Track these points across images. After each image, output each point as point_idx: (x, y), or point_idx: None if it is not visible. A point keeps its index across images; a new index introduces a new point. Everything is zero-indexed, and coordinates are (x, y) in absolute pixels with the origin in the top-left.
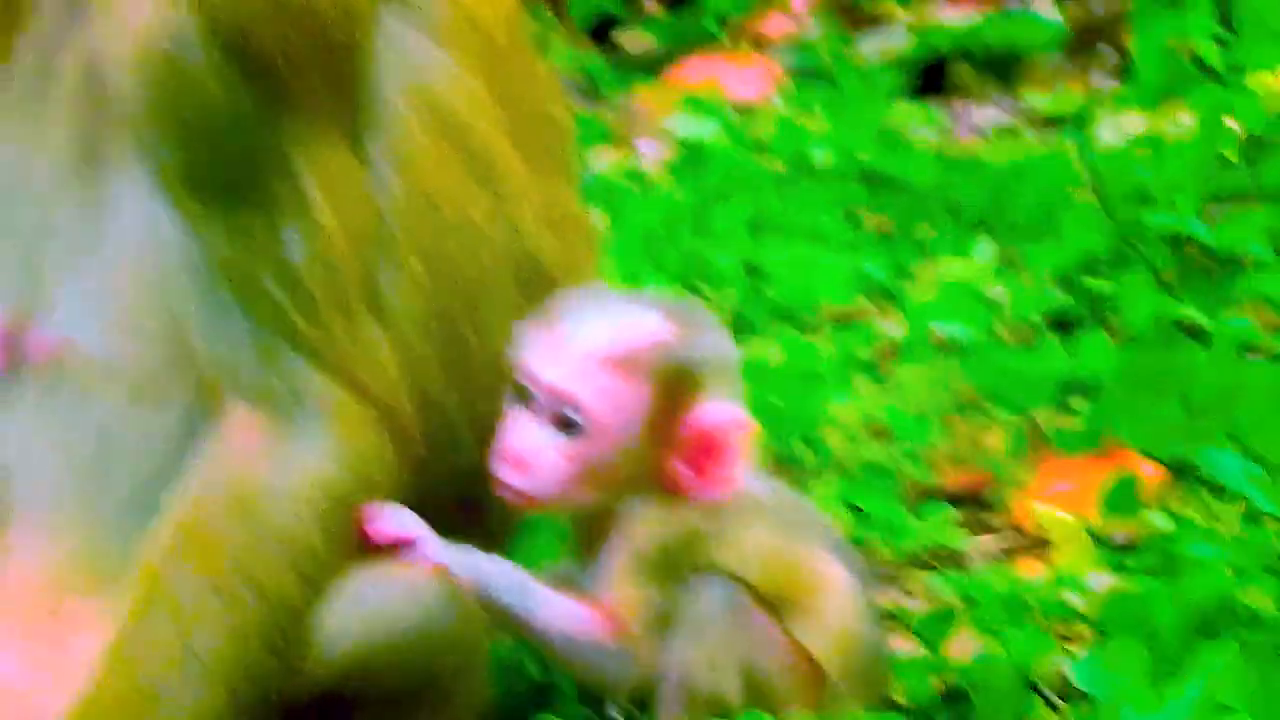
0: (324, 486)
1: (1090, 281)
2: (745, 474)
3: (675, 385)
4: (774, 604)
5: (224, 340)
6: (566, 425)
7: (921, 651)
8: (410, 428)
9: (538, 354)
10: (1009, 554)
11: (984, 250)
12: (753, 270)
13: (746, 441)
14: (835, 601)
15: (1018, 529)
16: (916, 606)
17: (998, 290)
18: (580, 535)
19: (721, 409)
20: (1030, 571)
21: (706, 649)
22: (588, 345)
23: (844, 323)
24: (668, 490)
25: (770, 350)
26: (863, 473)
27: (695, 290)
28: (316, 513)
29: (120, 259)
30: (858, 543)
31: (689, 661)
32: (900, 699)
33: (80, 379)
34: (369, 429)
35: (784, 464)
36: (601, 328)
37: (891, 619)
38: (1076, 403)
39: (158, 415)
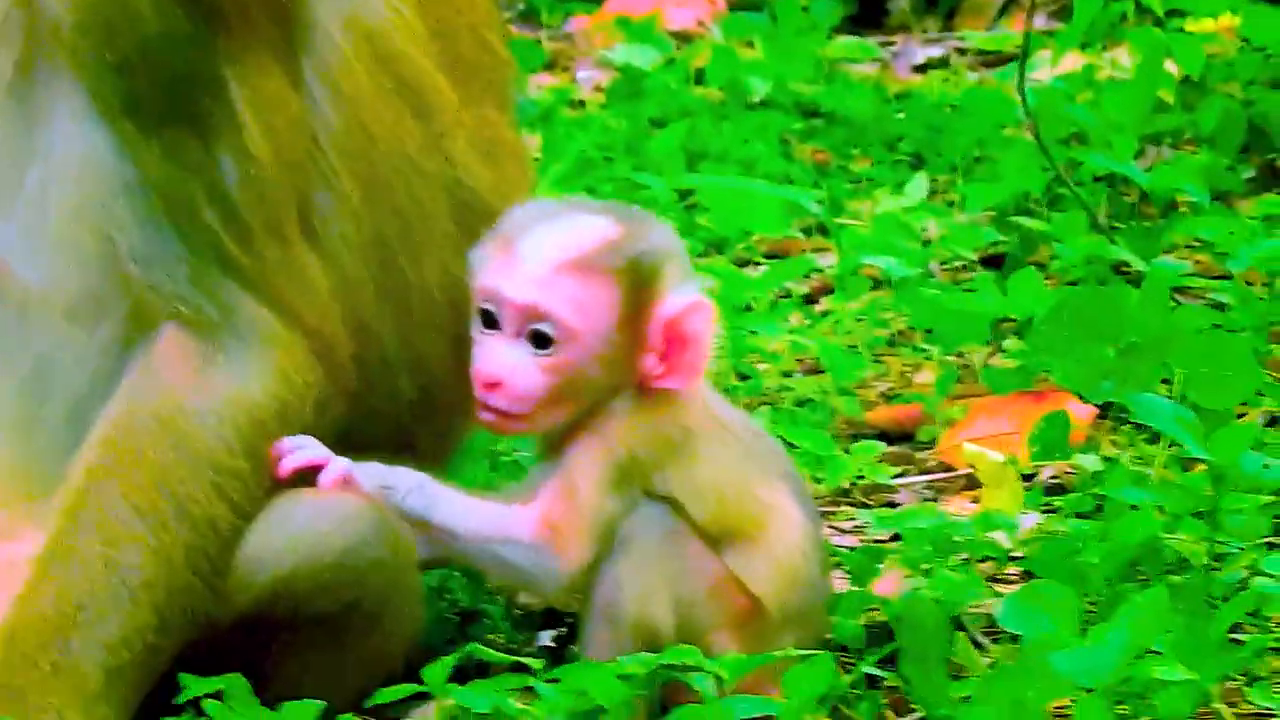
0: (251, 411)
1: (1025, 220)
2: (710, 367)
3: (639, 280)
4: (719, 535)
5: (157, 263)
6: (540, 340)
7: (850, 588)
8: (343, 354)
9: (499, 275)
10: (938, 492)
11: (919, 186)
12: (687, 200)
13: (712, 325)
14: (785, 537)
15: (947, 467)
16: (845, 543)
17: (932, 226)
18: (549, 441)
19: (685, 297)
20: (959, 510)
21: (639, 575)
22: (547, 256)
23: (777, 255)
24: (642, 391)
25: (704, 281)
26: (793, 406)
27: None
28: (243, 437)
29: (54, 181)
30: None
31: (620, 587)
32: (827, 635)
33: (15, 300)
34: (300, 354)
35: None
36: (556, 237)
37: None
38: (1009, 342)
39: (92, 337)
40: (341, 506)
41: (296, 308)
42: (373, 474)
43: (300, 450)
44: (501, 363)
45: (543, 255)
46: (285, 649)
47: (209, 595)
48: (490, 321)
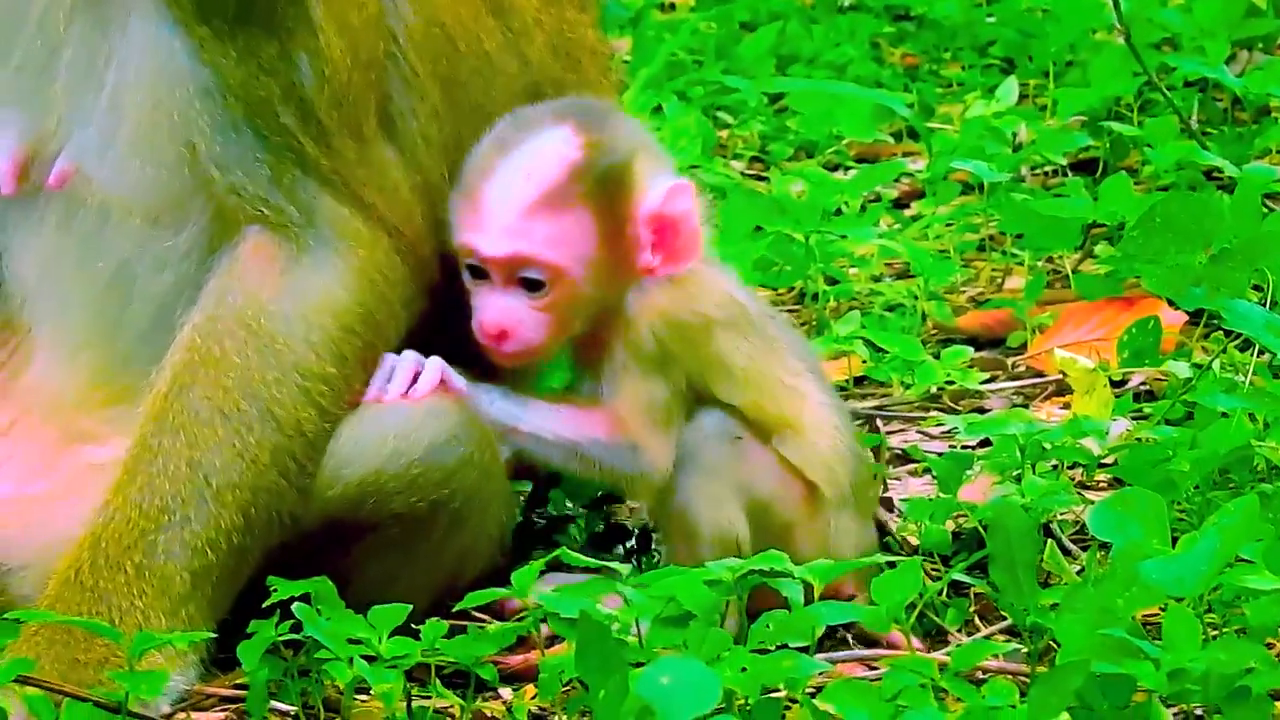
0: (338, 315)
1: (1115, 125)
2: (707, 246)
3: (610, 191)
4: (765, 427)
5: (236, 166)
6: (531, 285)
7: (938, 494)
8: (425, 251)
9: (473, 232)
10: (1027, 398)
11: (1009, 90)
12: (777, 103)
13: (696, 201)
14: (819, 418)
15: (1037, 373)
16: (934, 448)
17: (1022, 130)
18: (580, 356)
19: (660, 185)
20: (1048, 416)
21: (709, 486)
22: (513, 202)
23: (867, 159)
24: (649, 283)
25: (793, 185)
26: (882, 311)
27: (719, 122)
28: (330, 341)
29: (130, 87)
30: (877, 382)
31: (691, 500)
32: (915, 540)
33: (97, 205)
34: (383, 252)
35: (805, 300)
36: (517, 176)
37: (908, 460)
38: (1099, 247)
39: (174, 242)
40: (430, 404)
41: (377, 206)
42: (471, 389)
43: (400, 366)
44: (502, 313)
45: (509, 202)
46: (370, 550)
47: (295, 497)
48: (478, 273)
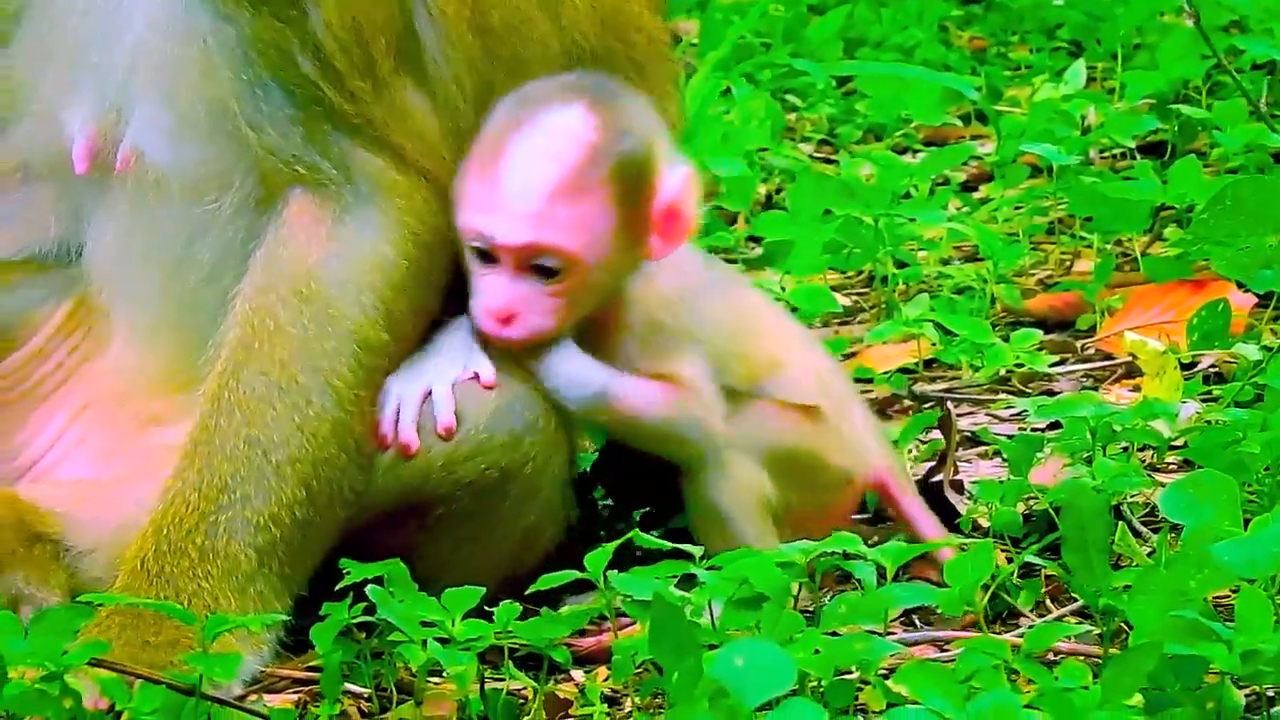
0: (388, 274)
1: (1184, 108)
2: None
3: (629, 176)
4: (754, 376)
5: (270, 125)
6: (544, 271)
7: (1009, 476)
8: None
9: (488, 217)
10: (1097, 380)
11: (1078, 73)
12: (845, 86)
13: (698, 189)
14: (790, 342)
15: (1106, 355)
16: (1004, 431)
17: (1091, 113)
18: (581, 338)
19: (677, 174)
20: (1118, 399)
21: (726, 462)
22: (534, 187)
23: (935, 142)
24: (646, 265)
25: (861, 168)
26: (951, 294)
27: (787, 105)
28: (383, 303)
29: (156, 50)
30: (946, 365)
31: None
32: (985, 523)
33: (158, 186)
34: (420, 199)
35: (874, 284)
36: (537, 159)
37: (978, 442)
38: (1168, 230)
39: (226, 211)
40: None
41: (407, 150)
42: (490, 371)
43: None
44: (511, 299)
45: (529, 187)
46: (438, 525)
47: (358, 470)
48: (486, 258)
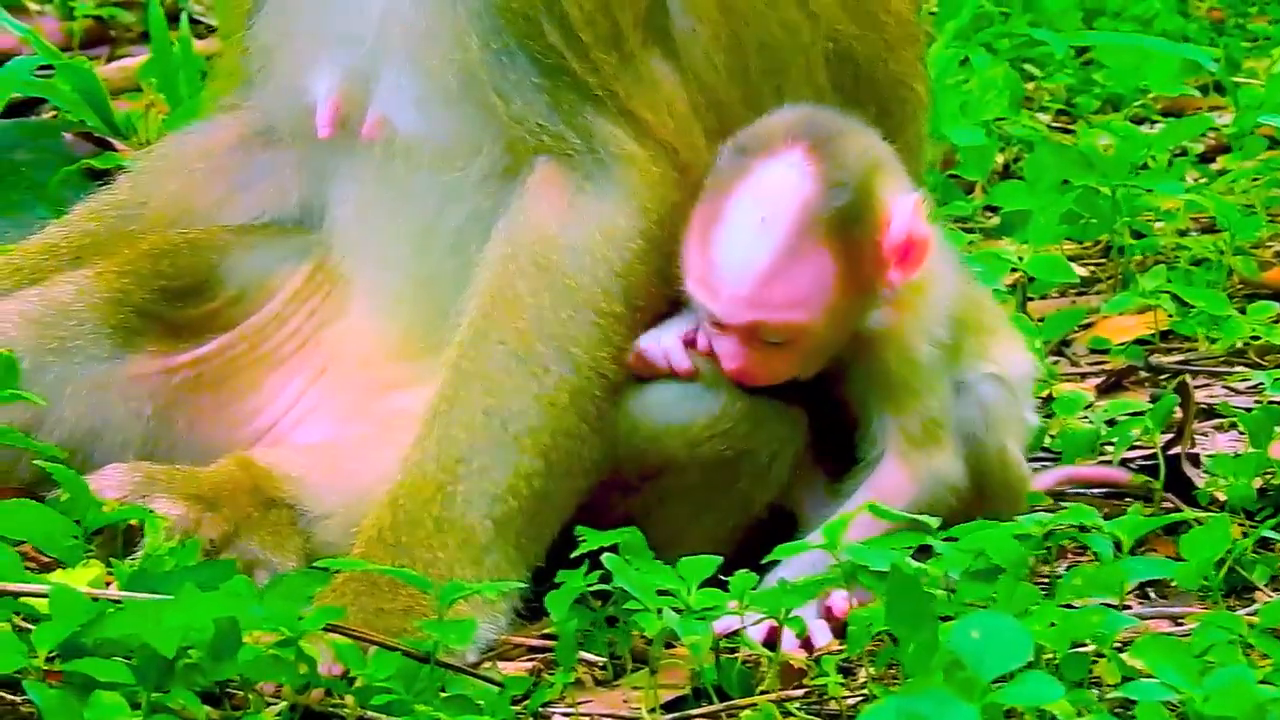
0: (621, 247)
1: None
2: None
3: (850, 226)
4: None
5: (517, 94)
6: (774, 341)
7: (1247, 449)
8: (699, 174)
9: (708, 295)
10: None
11: None
12: (1083, 56)
13: (927, 209)
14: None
15: None
16: (1241, 403)
17: None
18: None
19: (904, 207)
20: None
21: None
22: (749, 268)
23: (1173, 112)
24: (885, 295)
25: (1099, 138)
26: (1188, 266)
27: (1025, 74)
28: (617, 276)
29: (408, 18)
30: (1183, 336)
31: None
32: (1222, 496)
33: (405, 153)
34: (657, 171)
35: (1110, 254)
36: (750, 234)
37: (1214, 415)
38: None
39: (473, 179)
40: None
41: (650, 122)
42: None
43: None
44: (744, 363)
45: (745, 267)
46: (670, 496)
47: (597, 441)
48: (720, 326)
